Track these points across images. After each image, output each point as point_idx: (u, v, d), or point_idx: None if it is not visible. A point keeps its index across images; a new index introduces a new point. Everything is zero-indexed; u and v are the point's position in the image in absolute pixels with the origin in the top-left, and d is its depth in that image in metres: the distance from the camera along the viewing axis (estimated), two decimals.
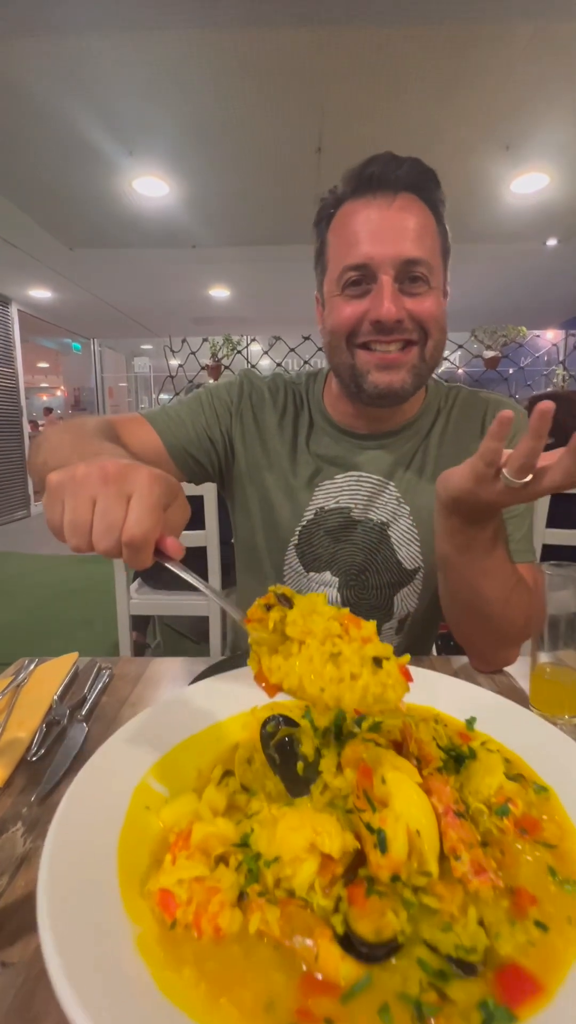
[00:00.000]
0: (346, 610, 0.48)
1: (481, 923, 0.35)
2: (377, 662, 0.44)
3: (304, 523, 0.99)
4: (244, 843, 0.41)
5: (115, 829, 0.44)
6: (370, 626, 0.47)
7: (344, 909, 0.36)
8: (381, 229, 0.82)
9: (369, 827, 0.39)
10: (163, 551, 0.49)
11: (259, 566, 1.07)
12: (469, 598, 0.82)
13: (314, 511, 0.99)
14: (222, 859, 0.41)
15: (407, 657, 0.46)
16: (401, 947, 0.34)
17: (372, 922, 0.34)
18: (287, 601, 0.47)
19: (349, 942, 0.34)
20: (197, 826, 0.42)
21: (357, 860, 0.40)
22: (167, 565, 0.50)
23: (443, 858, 0.40)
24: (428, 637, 1.13)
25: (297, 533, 1.00)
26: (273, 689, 0.45)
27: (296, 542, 1.00)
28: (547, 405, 0.57)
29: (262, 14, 2.76)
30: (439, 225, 0.88)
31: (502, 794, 0.45)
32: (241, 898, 0.38)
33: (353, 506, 0.98)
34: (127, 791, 0.48)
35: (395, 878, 0.37)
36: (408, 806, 0.41)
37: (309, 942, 0.34)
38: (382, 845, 0.38)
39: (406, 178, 0.83)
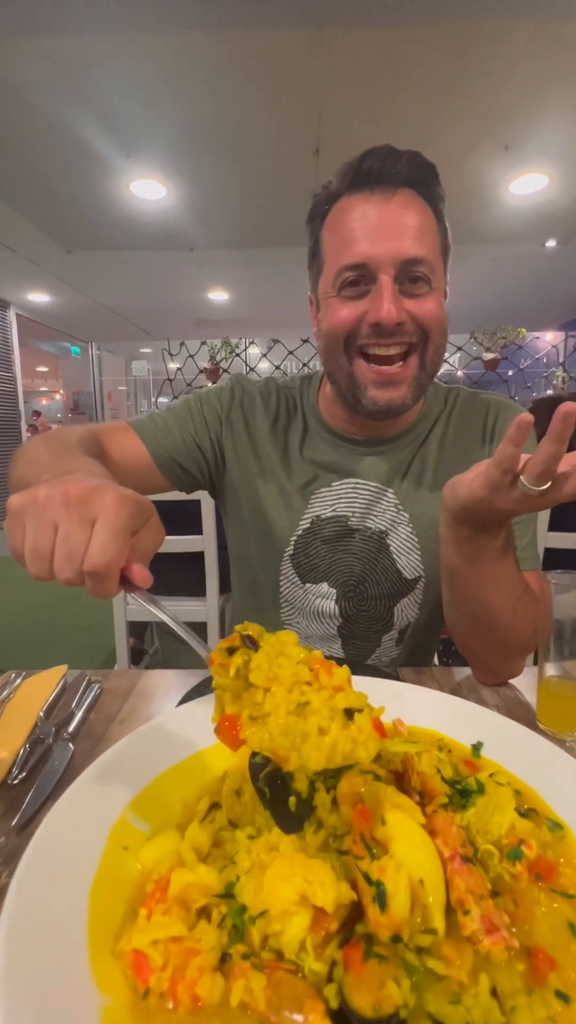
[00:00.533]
0: (318, 653, 0.44)
1: (494, 992, 0.31)
2: (348, 714, 0.39)
3: (299, 532, 0.95)
4: (228, 893, 0.37)
5: (88, 876, 0.40)
6: (343, 672, 0.42)
7: (339, 976, 0.32)
8: (380, 226, 0.78)
9: (367, 878, 0.35)
10: (129, 580, 0.45)
11: (254, 577, 1.03)
12: (476, 609, 0.78)
13: (310, 520, 0.95)
14: (204, 912, 0.37)
15: (382, 709, 0.42)
16: (403, 1023, 0.30)
17: (370, 993, 0.30)
18: (252, 643, 0.43)
19: (344, 1018, 0.30)
20: (176, 875, 0.37)
21: (354, 914, 0.36)
22: (133, 596, 0.47)
23: (450, 910, 0.36)
24: (430, 647, 1.10)
25: (292, 543, 0.96)
26: (236, 743, 0.41)
27: (291, 552, 0.96)
28: (571, 406, 0.53)
29: (260, 15, 2.74)
30: (439, 223, 0.84)
31: (514, 834, 0.41)
32: (224, 960, 0.34)
33: (350, 514, 0.95)
34: (103, 830, 0.44)
35: (396, 938, 0.33)
36: (411, 851, 0.37)
37: (298, 1017, 0.30)
38: (381, 900, 0.33)
39: (406, 173, 0.79)
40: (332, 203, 0.84)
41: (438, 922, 0.34)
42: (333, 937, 0.35)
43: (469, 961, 0.33)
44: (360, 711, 0.40)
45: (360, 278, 0.80)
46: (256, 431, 0.98)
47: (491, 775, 0.47)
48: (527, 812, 0.45)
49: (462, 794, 0.45)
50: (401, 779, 0.47)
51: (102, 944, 0.35)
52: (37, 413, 13.33)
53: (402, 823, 0.39)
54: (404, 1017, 0.30)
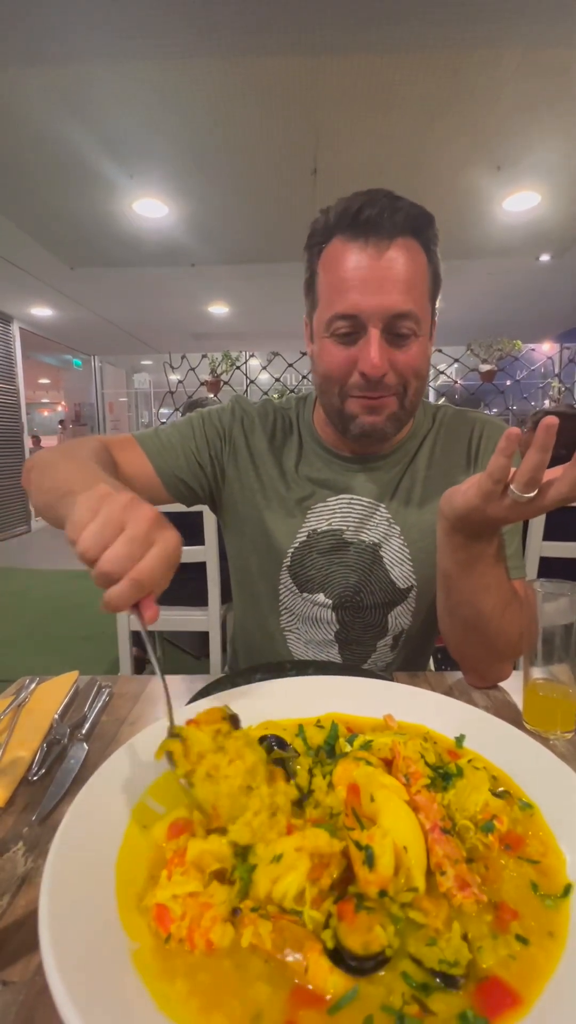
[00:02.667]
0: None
1: (465, 937, 0.37)
2: (272, 811, 0.46)
3: (297, 544, 1.01)
4: (238, 853, 0.43)
5: (114, 847, 0.45)
6: (291, 790, 0.49)
7: (334, 924, 0.37)
8: (372, 280, 0.82)
9: (358, 844, 0.41)
10: (140, 611, 0.51)
11: (254, 587, 1.08)
12: (468, 614, 0.83)
13: (307, 533, 1.01)
14: (216, 875, 0.42)
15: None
16: (388, 960, 0.36)
17: (360, 936, 0.36)
18: (236, 722, 0.51)
19: (338, 956, 0.36)
20: (192, 843, 0.43)
21: (347, 878, 0.41)
22: (139, 627, 0.53)
23: (429, 873, 0.41)
24: (424, 651, 1.15)
25: (290, 555, 1.01)
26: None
27: (289, 563, 1.02)
28: (552, 420, 0.60)
29: (259, 42, 2.85)
30: (431, 262, 0.87)
31: (487, 811, 0.47)
32: (235, 913, 0.39)
33: (345, 528, 1.00)
34: (125, 811, 0.50)
35: (383, 893, 0.38)
36: (396, 823, 0.42)
37: (299, 956, 0.36)
38: (370, 861, 0.39)
39: (402, 223, 0.82)
40: (328, 239, 0.87)
41: (419, 882, 0.39)
42: (329, 895, 0.40)
43: (445, 912, 0.38)
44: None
45: (351, 327, 0.85)
46: (255, 449, 1.04)
47: (469, 761, 0.53)
48: (501, 793, 0.50)
49: (443, 777, 0.50)
50: (390, 765, 0.53)
51: (129, 903, 0.41)
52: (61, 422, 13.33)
53: (389, 800, 0.44)
54: (389, 955, 0.36)
